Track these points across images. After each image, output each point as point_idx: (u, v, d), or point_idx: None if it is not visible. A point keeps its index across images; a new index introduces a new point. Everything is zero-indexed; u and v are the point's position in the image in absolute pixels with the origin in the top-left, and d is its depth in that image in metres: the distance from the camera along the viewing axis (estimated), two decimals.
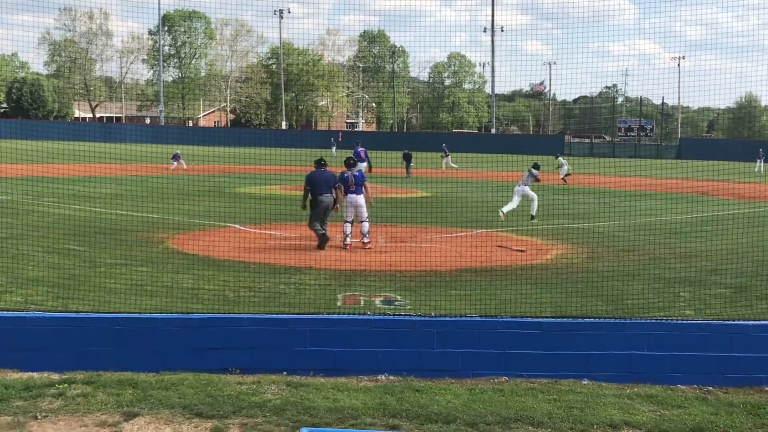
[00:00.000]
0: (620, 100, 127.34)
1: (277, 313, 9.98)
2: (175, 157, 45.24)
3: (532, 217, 23.48)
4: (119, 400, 8.05)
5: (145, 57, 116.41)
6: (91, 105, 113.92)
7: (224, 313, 9.95)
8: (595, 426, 7.81)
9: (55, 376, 8.68)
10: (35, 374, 8.77)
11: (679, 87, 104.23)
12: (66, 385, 8.40)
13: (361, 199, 18.00)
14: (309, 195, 17.56)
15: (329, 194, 17.53)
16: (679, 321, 9.72)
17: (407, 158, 46.15)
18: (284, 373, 9.00)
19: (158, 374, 8.83)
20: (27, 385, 8.36)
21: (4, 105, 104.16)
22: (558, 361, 9.25)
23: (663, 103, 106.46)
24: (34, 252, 15.36)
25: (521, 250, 17.88)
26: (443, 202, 29.19)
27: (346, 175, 18.14)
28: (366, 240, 17.77)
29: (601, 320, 9.73)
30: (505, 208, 22.98)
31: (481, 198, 27.77)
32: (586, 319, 9.70)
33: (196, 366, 8.99)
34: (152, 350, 9.14)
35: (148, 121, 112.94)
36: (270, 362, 9.13)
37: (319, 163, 17.95)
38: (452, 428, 7.62)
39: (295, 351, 9.19)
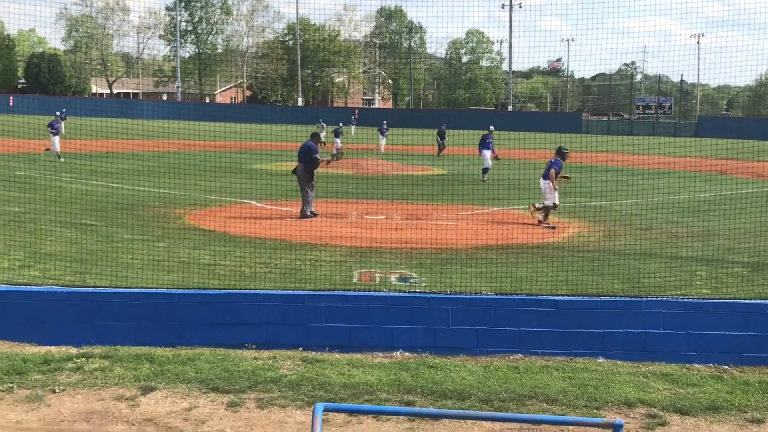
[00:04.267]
0: (638, 77, 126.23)
1: (293, 290, 10.02)
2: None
3: None
4: (136, 374, 8.13)
5: (162, 33, 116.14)
6: (108, 81, 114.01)
7: (241, 289, 10.00)
8: (609, 404, 7.81)
9: (73, 350, 8.77)
10: (53, 348, 8.86)
11: (698, 65, 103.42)
12: (84, 359, 8.48)
13: (544, 184, 18.72)
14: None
15: (300, 164, 18.67)
16: (695, 300, 9.69)
17: (441, 135, 44.18)
18: (300, 348, 9.05)
19: (175, 349, 8.90)
20: (45, 359, 8.45)
21: (23, 80, 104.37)
22: (573, 339, 9.25)
23: (681, 80, 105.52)
24: (52, 227, 15.46)
25: (552, 227, 17.86)
26: (459, 179, 29.12)
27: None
28: (541, 220, 18.37)
29: (617, 298, 9.71)
30: None
31: (497, 176, 27.72)
32: (602, 298, 9.69)
33: (212, 341, 9.06)
34: (169, 325, 9.22)
35: (165, 97, 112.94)
36: (286, 338, 9.19)
37: (311, 135, 19.38)
38: (466, 405, 7.65)
39: (311, 327, 9.24)
